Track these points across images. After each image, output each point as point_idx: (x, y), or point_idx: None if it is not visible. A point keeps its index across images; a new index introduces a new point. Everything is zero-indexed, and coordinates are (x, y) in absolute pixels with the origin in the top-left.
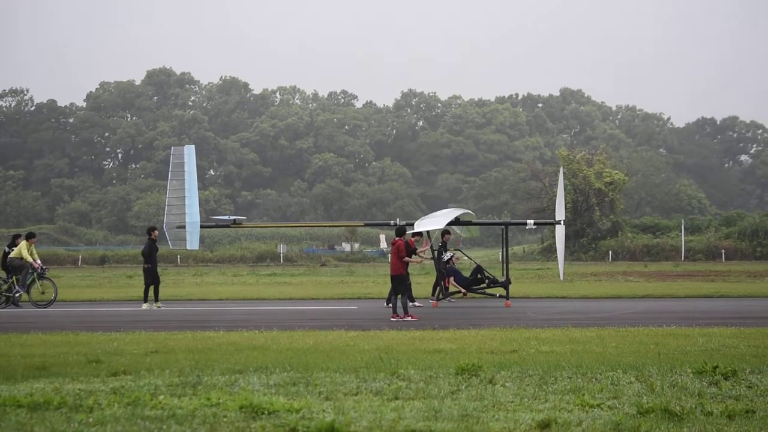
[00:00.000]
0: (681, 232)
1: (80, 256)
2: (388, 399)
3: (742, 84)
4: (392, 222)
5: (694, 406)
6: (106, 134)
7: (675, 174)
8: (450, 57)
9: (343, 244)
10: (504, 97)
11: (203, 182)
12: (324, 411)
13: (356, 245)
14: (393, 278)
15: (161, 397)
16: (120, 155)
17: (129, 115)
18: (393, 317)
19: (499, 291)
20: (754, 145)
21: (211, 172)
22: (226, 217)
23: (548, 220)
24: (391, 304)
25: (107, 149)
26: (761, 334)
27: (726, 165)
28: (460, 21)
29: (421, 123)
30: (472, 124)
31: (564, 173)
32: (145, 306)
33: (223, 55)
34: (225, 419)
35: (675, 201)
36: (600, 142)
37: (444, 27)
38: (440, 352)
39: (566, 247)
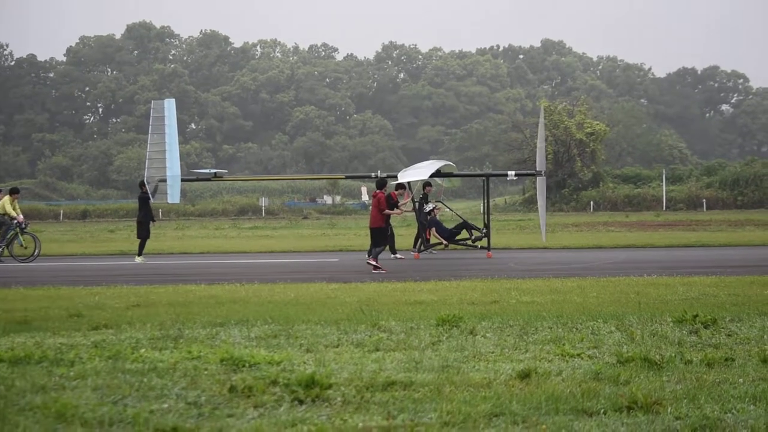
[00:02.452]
0: (662, 182)
1: (61, 211)
2: (369, 351)
3: (724, 34)
4: (373, 174)
5: (673, 354)
6: (87, 89)
7: (656, 124)
8: (430, 9)
9: (325, 197)
10: (485, 48)
11: (184, 136)
12: (305, 363)
13: (338, 198)
14: (372, 230)
15: (142, 350)
16: (101, 110)
17: (109, 70)
18: (374, 269)
19: (480, 243)
20: (735, 95)
21: (192, 126)
22: (206, 171)
23: (529, 171)
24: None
25: (87, 104)
26: (741, 282)
27: (707, 115)
28: None
29: (402, 75)
30: (453, 76)
31: (545, 124)
32: (138, 259)
33: (203, 8)
34: (206, 372)
35: (656, 151)
36: (581, 93)
37: None
38: (421, 304)
39: (548, 198)
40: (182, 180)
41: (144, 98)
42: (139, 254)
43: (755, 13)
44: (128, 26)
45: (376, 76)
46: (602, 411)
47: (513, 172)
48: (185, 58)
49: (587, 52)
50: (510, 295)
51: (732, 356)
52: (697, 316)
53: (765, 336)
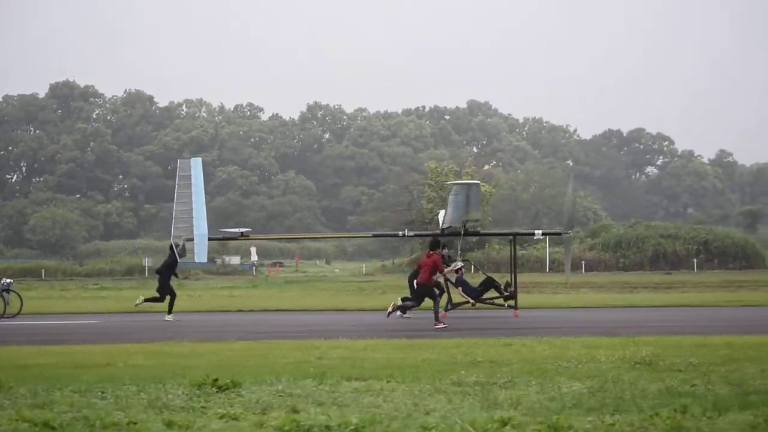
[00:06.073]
0: (546, 243)
1: None
2: None
3: (648, 96)
4: (400, 233)
5: (77, 418)
6: (9, 147)
7: (579, 185)
8: (356, 69)
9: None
10: (410, 109)
11: (106, 195)
12: None
13: (227, 258)
14: (420, 286)
15: None
16: (24, 168)
17: (32, 129)
18: (437, 325)
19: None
20: (660, 157)
21: (115, 185)
22: (235, 230)
23: (555, 231)
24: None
25: (10, 162)
26: (487, 344)
27: (633, 177)
28: (367, 33)
29: (327, 135)
30: (377, 137)
31: (431, 185)
32: (168, 318)
33: (128, 68)
34: None
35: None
36: (506, 154)
37: (352, 39)
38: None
39: None
40: (210, 239)
41: (66, 157)
42: (168, 312)
43: (679, 76)
44: (51, 85)
45: (300, 135)
46: None
47: (540, 231)
48: (109, 118)
49: (513, 113)
50: (274, 354)
51: (135, 420)
52: (217, 380)
53: (260, 400)
